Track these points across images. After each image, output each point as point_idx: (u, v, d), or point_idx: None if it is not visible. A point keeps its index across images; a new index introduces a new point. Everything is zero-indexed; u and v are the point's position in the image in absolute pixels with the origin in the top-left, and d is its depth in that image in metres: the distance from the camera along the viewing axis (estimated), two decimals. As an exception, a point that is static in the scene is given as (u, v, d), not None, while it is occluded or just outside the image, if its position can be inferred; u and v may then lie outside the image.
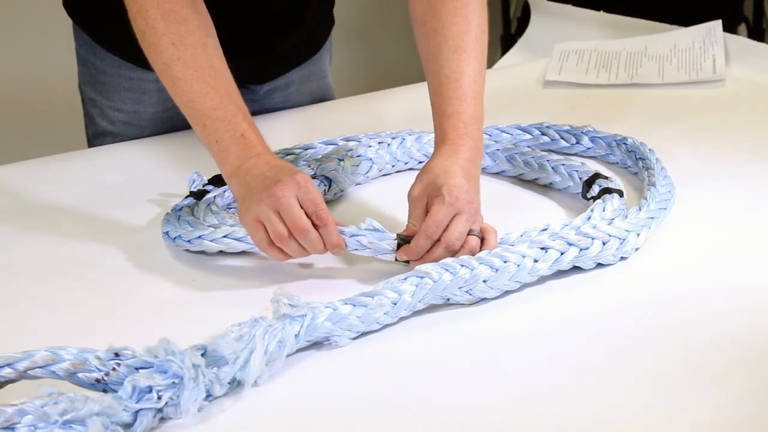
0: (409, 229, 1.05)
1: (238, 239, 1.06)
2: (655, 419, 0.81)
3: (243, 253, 1.09)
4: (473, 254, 1.01)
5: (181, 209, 1.14)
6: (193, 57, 1.08)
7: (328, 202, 1.22)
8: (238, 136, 1.06)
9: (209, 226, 1.08)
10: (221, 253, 1.09)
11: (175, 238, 1.09)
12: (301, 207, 1.02)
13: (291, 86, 1.49)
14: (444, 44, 1.12)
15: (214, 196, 1.16)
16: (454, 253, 1.02)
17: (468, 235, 1.03)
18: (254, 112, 1.48)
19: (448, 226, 1.02)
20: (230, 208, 1.18)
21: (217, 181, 1.20)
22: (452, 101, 1.11)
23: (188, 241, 1.08)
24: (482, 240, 1.04)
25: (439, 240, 1.02)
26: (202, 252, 1.09)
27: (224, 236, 1.06)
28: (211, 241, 1.07)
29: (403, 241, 1.03)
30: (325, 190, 1.20)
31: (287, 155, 1.28)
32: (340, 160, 1.23)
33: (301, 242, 1.02)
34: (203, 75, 1.07)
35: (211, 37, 1.10)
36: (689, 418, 0.80)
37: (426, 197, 1.05)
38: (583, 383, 0.86)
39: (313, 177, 1.20)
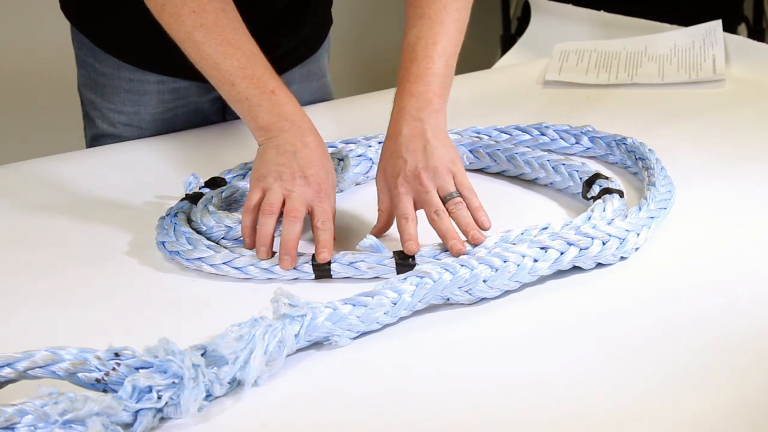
0: (379, 223, 1.09)
1: (237, 269, 1.05)
2: (655, 418, 0.81)
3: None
4: (464, 213, 1.04)
5: (176, 215, 1.13)
6: (214, 21, 1.09)
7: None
8: (268, 92, 1.08)
9: (208, 248, 1.07)
10: (221, 253, 1.09)
11: (171, 252, 1.08)
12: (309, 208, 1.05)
13: (291, 85, 1.48)
14: (413, 14, 1.14)
15: (212, 196, 1.15)
16: (446, 218, 1.04)
17: (447, 202, 1.05)
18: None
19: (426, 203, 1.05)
20: (229, 208, 1.18)
21: (213, 183, 1.20)
22: (404, 66, 1.12)
23: (187, 260, 1.07)
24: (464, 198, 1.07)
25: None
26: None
27: (223, 263, 1.05)
28: (210, 265, 1.06)
29: (401, 258, 1.03)
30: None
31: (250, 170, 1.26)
32: (340, 159, 1.24)
33: (285, 224, 1.03)
34: (227, 38, 1.09)
35: (229, 4, 1.12)
36: (689, 416, 0.80)
37: (386, 188, 1.08)
38: (583, 383, 0.86)
39: None
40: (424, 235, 1.06)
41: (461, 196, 1.07)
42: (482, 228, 1.05)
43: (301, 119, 1.09)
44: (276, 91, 1.09)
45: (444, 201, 1.06)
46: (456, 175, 1.07)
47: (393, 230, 1.10)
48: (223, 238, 1.10)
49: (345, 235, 1.14)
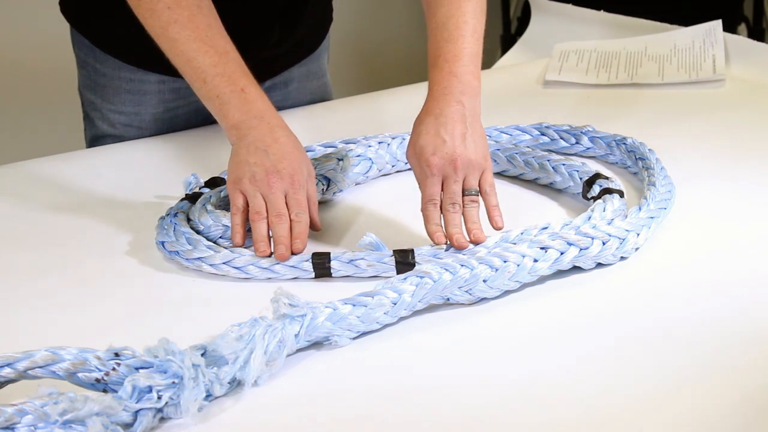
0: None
1: (237, 268, 1.05)
2: (654, 418, 0.81)
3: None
4: (474, 214, 1.06)
5: (176, 215, 1.13)
6: (189, 18, 1.10)
7: (326, 202, 1.22)
8: (238, 91, 1.09)
9: (207, 248, 1.07)
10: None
11: (171, 252, 1.09)
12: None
13: (291, 84, 1.49)
14: None
15: (210, 195, 1.15)
16: (459, 213, 1.06)
17: (465, 196, 1.07)
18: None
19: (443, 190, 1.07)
20: (227, 208, 1.17)
21: (213, 183, 1.20)
22: (438, 45, 1.14)
23: (186, 260, 1.07)
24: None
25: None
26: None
27: (223, 263, 1.05)
28: (210, 265, 1.06)
29: (401, 257, 1.03)
30: (323, 190, 1.20)
31: None
32: (339, 159, 1.23)
33: (273, 227, 1.05)
34: (201, 34, 1.10)
35: (205, 0, 1.13)
36: (689, 415, 0.80)
37: (417, 161, 1.09)
38: (583, 383, 0.86)
39: None
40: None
41: (483, 192, 1.09)
42: (495, 227, 1.07)
43: (270, 115, 1.10)
44: (246, 89, 1.10)
45: (462, 193, 1.08)
46: (485, 171, 1.09)
47: (392, 229, 1.10)
48: (220, 237, 1.10)
49: (345, 234, 1.14)
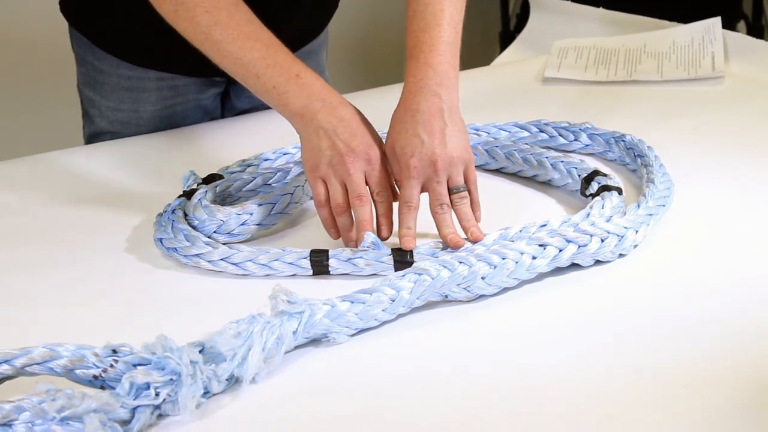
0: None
1: (235, 265, 1.05)
2: (654, 416, 0.81)
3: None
4: (467, 209, 1.06)
5: (174, 211, 1.13)
6: (229, 18, 1.09)
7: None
8: (293, 77, 1.08)
9: (206, 244, 1.07)
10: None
11: (169, 249, 1.08)
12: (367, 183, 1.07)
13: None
14: None
15: (206, 191, 1.15)
16: (449, 213, 1.06)
17: (453, 194, 1.06)
18: (251, 109, 1.49)
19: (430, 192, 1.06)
20: (223, 203, 1.17)
21: (210, 180, 1.20)
22: (415, 34, 1.12)
23: (184, 256, 1.07)
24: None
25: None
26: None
27: (221, 259, 1.05)
28: (208, 262, 1.06)
29: (399, 256, 1.03)
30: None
31: (248, 167, 1.26)
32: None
33: (355, 211, 1.06)
34: (244, 32, 1.09)
35: None
36: (688, 413, 0.80)
37: (397, 162, 1.08)
38: (582, 381, 0.86)
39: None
40: (425, 225, 1.07)
41: (469, 191, 1.08)
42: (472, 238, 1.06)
43: (331, 96, 1.09)
44: (301, 74, 1.09)
45: (450, 192, 1.07)
46: (467, 165, 1.09)
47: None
48: (215, 231, 1.10)
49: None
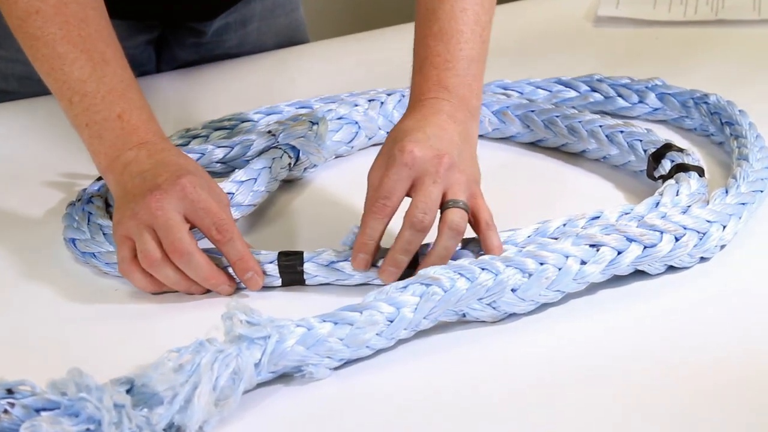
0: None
1: None
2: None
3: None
4: (458, 233, 1.01)
5: (90, 200, 1.13)
6: (56, 8, 1.08)
7: (294, 182, 1.22)
8: (113, 118, 1.07)
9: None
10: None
11: (85, 253, 1.09)
12: (190, 221, 1.03)
13: (250, 23, 1.49)
14: None
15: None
16: (423, 232, 1.01)
17: (447, 208, 1.02)
18: (200, 60, 1.49)
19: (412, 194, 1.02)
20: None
21: None
22: (425, 41, 1.11)
23: (107, 264, 1.08)
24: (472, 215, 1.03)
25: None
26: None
27: None
28: None
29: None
30: (290, 165, 1.20)
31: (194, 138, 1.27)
32: (313, 123, 1.23)
33: (183, 269, 1.03)
34: (70, 33, 1.08)
35: None
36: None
37: (385, 147, 1.06)
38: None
39: (275, 147, 1.20)
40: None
41: (481, 223, 1.04)
42: (492, 254, 1.03)
43: (156, 139, 1.08)
44: (123, 115, 1.07)
45: (443, 206, 1.03)
46: (475, 194, 1.05)
47: (393, 227, 1.10)
48: None
49: (321, 227, 1.14)
